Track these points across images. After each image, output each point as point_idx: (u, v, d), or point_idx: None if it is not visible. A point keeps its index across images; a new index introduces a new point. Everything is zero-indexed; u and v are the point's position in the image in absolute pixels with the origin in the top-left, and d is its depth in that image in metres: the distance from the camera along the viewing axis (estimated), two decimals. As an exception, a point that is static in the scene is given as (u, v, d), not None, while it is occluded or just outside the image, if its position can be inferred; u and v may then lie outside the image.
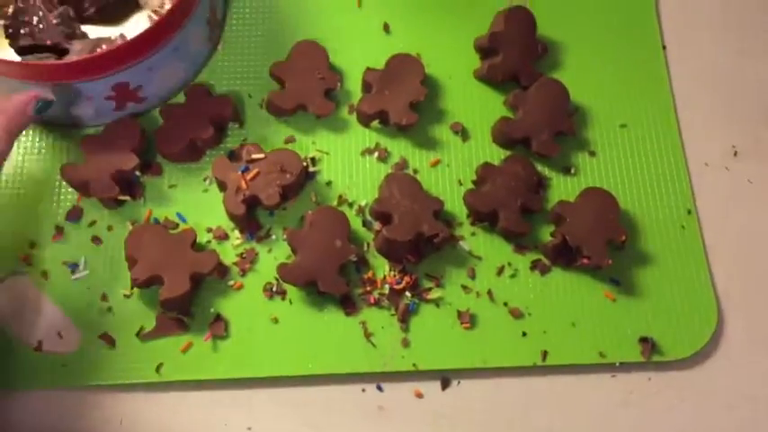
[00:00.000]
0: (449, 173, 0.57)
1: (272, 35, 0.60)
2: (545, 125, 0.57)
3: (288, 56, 0.58)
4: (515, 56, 0.59)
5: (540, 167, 0.57)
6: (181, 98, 0.57)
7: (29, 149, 0.56)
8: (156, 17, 0.56)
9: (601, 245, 0.53)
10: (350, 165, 0.57)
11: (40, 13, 0.55)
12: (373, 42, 0.61)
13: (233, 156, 0.56)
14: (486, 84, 0.60)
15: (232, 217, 0.54)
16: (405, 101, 0.57)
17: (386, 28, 0.61)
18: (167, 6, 0.56)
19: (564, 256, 0.54)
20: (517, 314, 0.53)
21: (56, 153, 0.56)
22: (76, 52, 0.55)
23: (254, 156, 0.54)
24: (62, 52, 0.55)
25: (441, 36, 0.62)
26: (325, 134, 0.58)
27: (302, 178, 0.55)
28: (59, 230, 0.53)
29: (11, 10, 0.55)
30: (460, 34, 0.62)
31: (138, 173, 0.54)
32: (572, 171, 0.58)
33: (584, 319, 0.53)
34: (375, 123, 0.58)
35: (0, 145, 0.46)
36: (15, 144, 0.50)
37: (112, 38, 0.55)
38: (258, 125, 0.58)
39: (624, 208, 0.56)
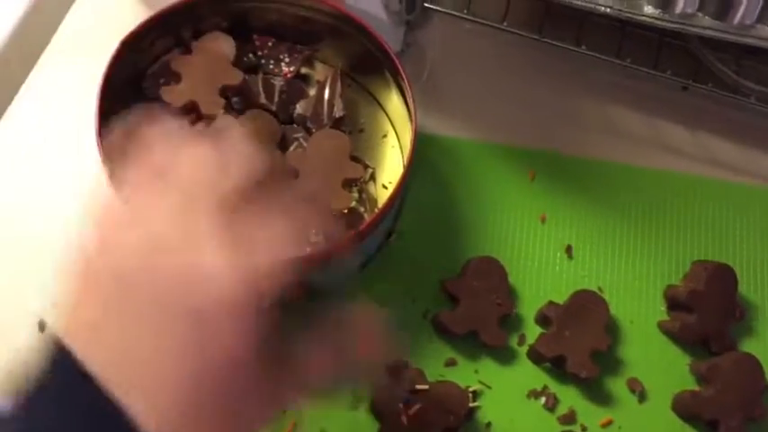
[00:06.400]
0: (620, 438, 0.51)
1: (445, 238, 0.56)
2: (737, 408, 0.51)
3: (463, 269, 0.53)
4: (711, 318, 0.53)
5: (722, 452, 0.51)
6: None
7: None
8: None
9: None
10: (513, 406, 0.51)
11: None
12: (553, 265, 0.56)
13: (390, 373, 0.50)
14: (669, 338, 0.54)
15: (382, 452, 0.48)
16: (586, 349, 0.51)
17: (568, 251, 0.56)
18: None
19: None
20: None
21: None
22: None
23: (418, 386, 0.48)
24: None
25: (625, 272, 0.56)
26: (491, 364, 0.52)
27: (463, 420, 0.49)
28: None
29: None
30: (648, 274, 0.56)
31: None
32: (757, 464, 0.51)
33: None
34: (547, 363, 0.52)
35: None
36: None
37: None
38: (419, 338, 0.52)
39: None
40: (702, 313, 0.53)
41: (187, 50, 0.55)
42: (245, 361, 0.31)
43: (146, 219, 0.32)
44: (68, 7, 0.61)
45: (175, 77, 0.53)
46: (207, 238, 0.31)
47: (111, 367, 0.29)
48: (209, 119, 0.51)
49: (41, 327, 0.50)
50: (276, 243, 0.32)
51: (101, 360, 0.29)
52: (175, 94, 0.52)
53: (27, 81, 0.58)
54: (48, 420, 0.28)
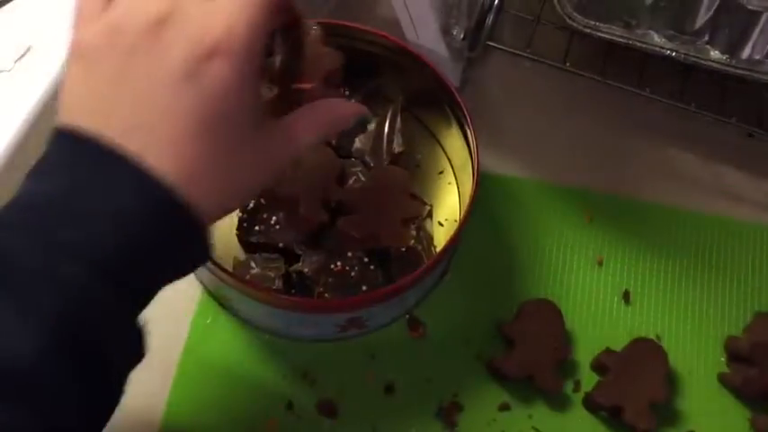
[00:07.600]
0: (677, 495, 0.50)
1: (500, 278, 0.55)
2: (800, 468, 0.49)
3: (518, 311, 0.52)
4: (774, 373, 0.52)
5: None
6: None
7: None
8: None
9: None
10: (567, 455, 0.50)
11: (280, 215, 0.51)
12: (610, 311, 0.55)
13: (441, 415, 0.50)
14: (730, 391, 0.53)
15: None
16: (644, 399, 0.50)
17: (625, 296, 0.55)
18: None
19: None
20: None
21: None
22: (308, 262, 0.50)
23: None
24: (291, 256, 0.51)
25: (684, 321, 0.55)
26: (545, 410, 0.51)
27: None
28: None
29: (251, 205, 0.51)
30: (708, 324, 0.55)
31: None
32: None
33: None
34: (603, 412, 0.51)
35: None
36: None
37: (349, 254, 0.51)
38: (472, 380, 0.51)
39: None
40: (765, 367, 0.52)
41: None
42: (240, 105, 0.32)
43: None
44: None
45: None
46: None
47: (126, 133, 0.30)
48: None
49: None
50: None
51: (114, 128, 0.30)
52: None
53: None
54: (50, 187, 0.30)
